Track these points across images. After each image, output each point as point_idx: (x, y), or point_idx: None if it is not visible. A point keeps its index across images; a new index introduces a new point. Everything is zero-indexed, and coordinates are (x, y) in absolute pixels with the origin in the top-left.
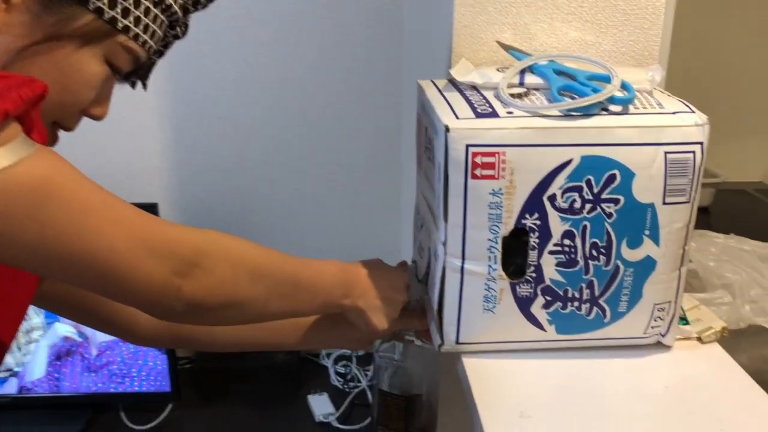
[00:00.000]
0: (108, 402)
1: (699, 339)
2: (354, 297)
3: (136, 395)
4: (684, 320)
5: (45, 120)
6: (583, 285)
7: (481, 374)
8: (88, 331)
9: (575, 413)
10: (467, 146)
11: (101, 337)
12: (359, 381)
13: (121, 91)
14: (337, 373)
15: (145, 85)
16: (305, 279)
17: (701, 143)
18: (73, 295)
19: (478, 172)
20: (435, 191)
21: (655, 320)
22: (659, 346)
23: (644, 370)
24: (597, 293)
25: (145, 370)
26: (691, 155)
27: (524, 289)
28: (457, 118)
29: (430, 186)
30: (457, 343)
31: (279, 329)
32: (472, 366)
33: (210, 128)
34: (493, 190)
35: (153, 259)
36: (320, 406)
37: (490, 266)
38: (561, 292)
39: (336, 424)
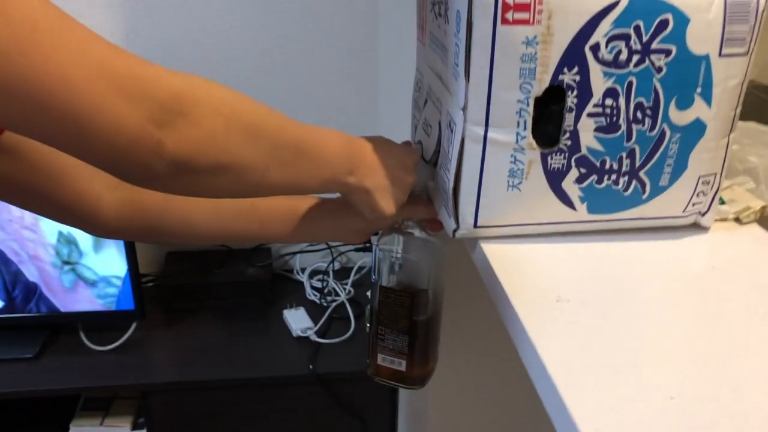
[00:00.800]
0: (66, 322)
1: (737, 219)
2: (360, 175)
3: (96, 314)
4: (720, 200)
5: None
6: (624, 154)
7: (505, 260)
8: None
9: (619, 296)
10: None
11: None
12: (337, 295)
13: None
14: (313, 288)
15: None
16: (309, 146)
17: None
18: (24, 174)
19: (509, 15)
20: (450, 50)
21: (698, 195)
22: (695, 228)
23: (685, 251)
24: (638, 164)
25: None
26: None
27: (556, 161)
28: None
29: (441, 48)
30: (476, 226)
31: (268, 218)
32: (492, 252)
33: (169, 25)
34: (527, 38)
35: (121, 100)
36: (297, 320)
37: (518, 134)
38: (598, 163)
39: (315, 338)
